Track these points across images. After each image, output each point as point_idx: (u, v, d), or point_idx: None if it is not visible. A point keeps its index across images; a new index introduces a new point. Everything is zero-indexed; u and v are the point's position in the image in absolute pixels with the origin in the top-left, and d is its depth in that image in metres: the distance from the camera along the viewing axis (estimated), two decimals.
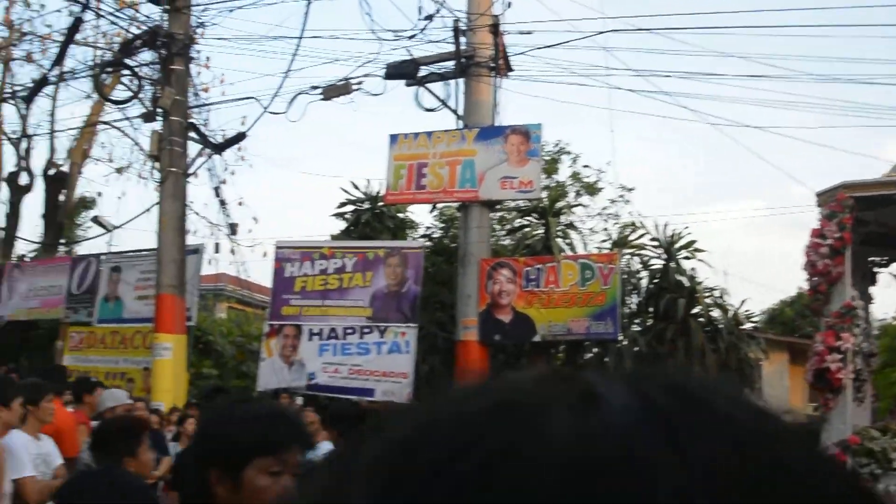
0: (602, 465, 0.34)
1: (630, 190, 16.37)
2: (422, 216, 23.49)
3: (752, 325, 14.55)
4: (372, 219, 14.66)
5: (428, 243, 14.81)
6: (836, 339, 8.71)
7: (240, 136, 13.74)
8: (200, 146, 13.48)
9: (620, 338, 12.22)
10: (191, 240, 13.45)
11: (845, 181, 9.03)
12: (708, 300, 13.15)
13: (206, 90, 13.93)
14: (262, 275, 13.94)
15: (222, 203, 13.78)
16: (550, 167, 16.61)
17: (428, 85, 13.44)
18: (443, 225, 15.69)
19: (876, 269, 11.07)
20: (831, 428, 8.67)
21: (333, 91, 13.62)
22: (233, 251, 14.42)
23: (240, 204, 14.91)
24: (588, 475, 0.34)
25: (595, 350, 13.05)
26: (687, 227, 14.36)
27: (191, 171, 13.27)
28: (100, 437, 3.94)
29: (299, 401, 11.96)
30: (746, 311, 13.85)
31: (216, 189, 13.53)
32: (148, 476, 4.16)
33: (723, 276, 26.83)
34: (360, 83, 13.55)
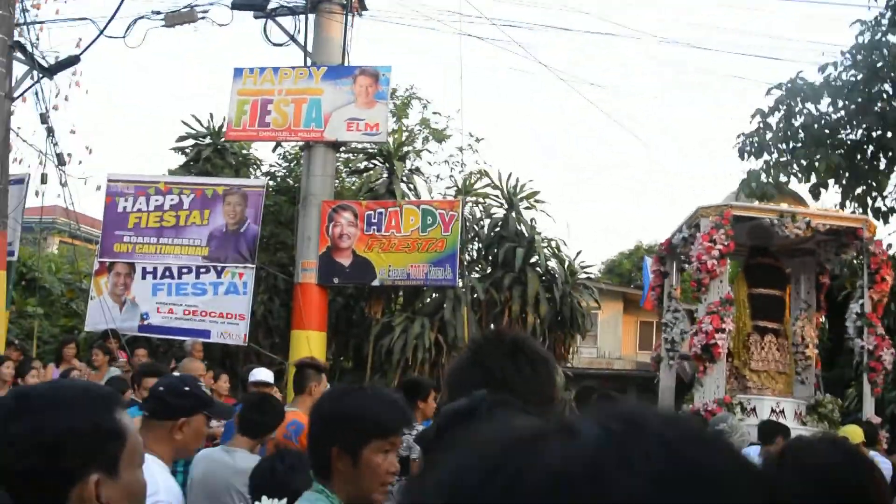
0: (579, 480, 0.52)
1: (479, 140, 16.49)
2: (266, 154, 22.92)
3: (587, 275, 15.05)
4: (213, 154, 14.12)
5: (270, 182, 14.44)
6: (721, 321, 10.86)
7: (72, 60, 12.87)
8: (28, 67, 12.57)
9: (459, 284, 12.38)
10: (15, 169, 12.59)
11: (730, 202, 11.52)
12: (546, 250, 13.49)
13: (37, 7, 12.92)
14: (100, 209, 13.22)
15: (50, 131, 12.91)
16: (401, 111, 16.48)
17: (277, 18, 13.02)
18: (287, 164, 15.34)
19: None
20: (706, 389, 11.07)
21: (177, 18, 12.99)
22: (63, 183, 13.55)
23: (72, 132, 14.01)
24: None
25: (434, 295, 13.17)
26: (531, 180, 14.61)
27: (16, 94, 12.37)
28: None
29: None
30: (582, 262, 14.31)
31: (42, 115, 12.65)
32: None
33: (565, 226, 27.68)
34: (205, 11, 12.99)
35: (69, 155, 13.25)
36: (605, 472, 0.51)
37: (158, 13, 12.95)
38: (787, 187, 12.31)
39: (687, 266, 12.29)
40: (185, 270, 12.42)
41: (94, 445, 1.43)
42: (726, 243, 11.06)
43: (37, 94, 12.71)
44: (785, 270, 12.78)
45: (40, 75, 12.70)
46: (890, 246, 15.17)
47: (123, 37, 12.74)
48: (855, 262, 12.41)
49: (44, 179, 13.31)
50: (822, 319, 13.38)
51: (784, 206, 11.50)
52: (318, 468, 2.32)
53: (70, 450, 1.41)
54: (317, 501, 2.26)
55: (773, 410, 11.12)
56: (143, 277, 12.51)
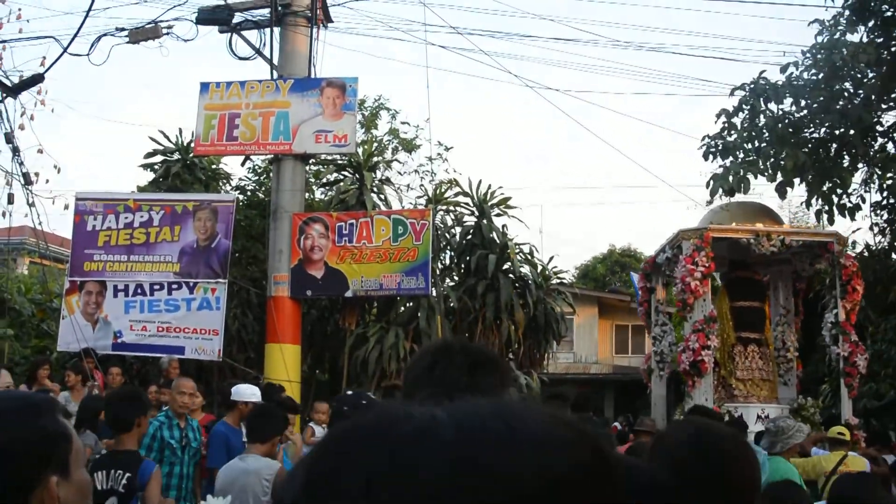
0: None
1: (448, 148, 16.52)
2: (236, 167, 22.84)
3: (560, 280, 15.11)
4: (182, 170, 14.05)
5: (240, 196, 14.38)
6: (706, 338, 11.52)
7: (36, 79, 12.74)
8: None
9: (432, 293, 12.39)
10: None
11: (711, 225, 12.16)
12: (518, 257, 13.52)
13: None
14: (69, 228, 13.09)
15: (15, 150, 12.78)
16: (369, 122, 16.49)
17: (242, 32, 13.00)
18: (256, 178, 15.28)
19: None
20: (696, 401, 11.35)
21: (141, 34, 12.92)
22: (30, 203, 13.41)
23: (39, 152, 13.84)
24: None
25: (408, 304, 13.16)
26: (501, 187, 14.66)
27: None
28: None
29: None
30: (554, 267, 14.36)
31: (7, 135, 12.53)
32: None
33: (538, 232, 27.72)
34: (170, 27, 12.93)
35: (36, 174, 13.12)
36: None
37: (122, 30, 12.88)
38: (763, 207, 13.05)
39: (671, 281, 12.88)
40: (157, 287, 12.32)
41: (49, 449, 1.47)
42: (707, 265, 11.76)
43: (1, 113, 12.59)
44: (763, 282, 13.45)
45: (4, 95, 12.58)
46: (855, 243, 15.46)
47: (88, 54, 12.66)
48: (827, 267, 12.89)
49: (10, 200, 13.16)
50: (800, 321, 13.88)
51: (760, 226, 12.17)
52: None
53: (30, 455, 1.44)
54: None
55: (759, 417, 11.68)
56: (115, 295, 12.40)
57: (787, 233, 12.40)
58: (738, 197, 12.20)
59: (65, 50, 12.31)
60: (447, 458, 0.60)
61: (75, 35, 12.20)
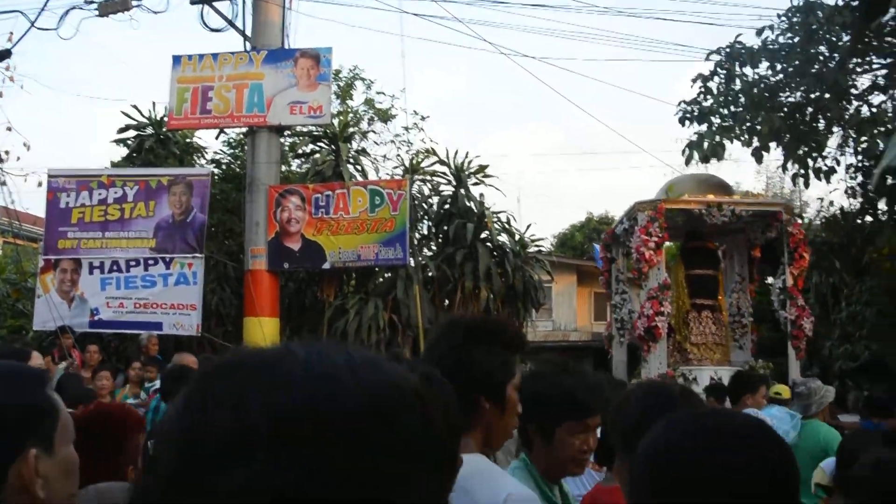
0: None
1: (424, 118, 16.41)
2: (211, 141, 22.61)
3: (538, 248, 15.12)
4: (156, 145, 13.86)
5: (216, 170, 14.24)
6: (660, 305, 11.97)
7: (3, 54, 12.53)
8: None
9: (410, 263, 12.36)
10: None
11: (666, 197, 12.68)
12: (496, 225, 13.51)
13: None
14: (42, 207, 12.92)
15: None
16: (345, 93, 16.34)
17: (214, 4, 12.81)
18: (231, 151, 15.13)
19: None
20: (651, 365, 12.15)
21: (110, 7, 12.70)
22: (2, 181, 13.21)
23: (8, 129, 13.60)
24: None
25: (387, 275, 13.13)
26: (479, 156, 14.61)
27: None
28: None
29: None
30: (532, 235, 14.37)
31: None
32: None
33: (516, 201, 27.66)
34: None
35: (7, 152, 12.92)
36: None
37: (91, 3, 12.65)
38: (713, 178, 13.55)
39: (630, 251, 13.34)
40: (133, 263, 12.23)
41: (31, 422, 1.43)
42: (661, 235, 12.26)
43: None
44: (717, 252, 14.04)
45: None
46: (832, 203, 15.55)
47: (56, 28, 12.44)
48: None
49: None
50: (770, 282, 14.30)
51: (710, 197, 12.71)
52: (524, 441, 2.55)
53: (8, 426, 1.40)
54: (516, 470, 2.48)
55: (711, 378, 12.01)
56: (91, 273, 12.29)
57: (737, 203, 12.95)
58: (693, 169, 12.62)
59: (32, 24, 12.10)
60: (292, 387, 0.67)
61: (42, 9, 11.99)
